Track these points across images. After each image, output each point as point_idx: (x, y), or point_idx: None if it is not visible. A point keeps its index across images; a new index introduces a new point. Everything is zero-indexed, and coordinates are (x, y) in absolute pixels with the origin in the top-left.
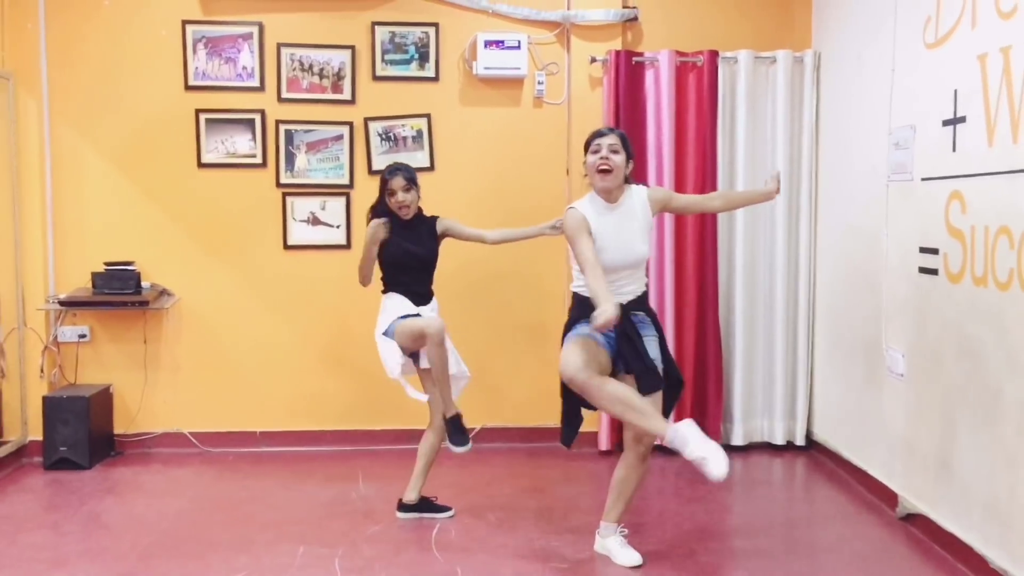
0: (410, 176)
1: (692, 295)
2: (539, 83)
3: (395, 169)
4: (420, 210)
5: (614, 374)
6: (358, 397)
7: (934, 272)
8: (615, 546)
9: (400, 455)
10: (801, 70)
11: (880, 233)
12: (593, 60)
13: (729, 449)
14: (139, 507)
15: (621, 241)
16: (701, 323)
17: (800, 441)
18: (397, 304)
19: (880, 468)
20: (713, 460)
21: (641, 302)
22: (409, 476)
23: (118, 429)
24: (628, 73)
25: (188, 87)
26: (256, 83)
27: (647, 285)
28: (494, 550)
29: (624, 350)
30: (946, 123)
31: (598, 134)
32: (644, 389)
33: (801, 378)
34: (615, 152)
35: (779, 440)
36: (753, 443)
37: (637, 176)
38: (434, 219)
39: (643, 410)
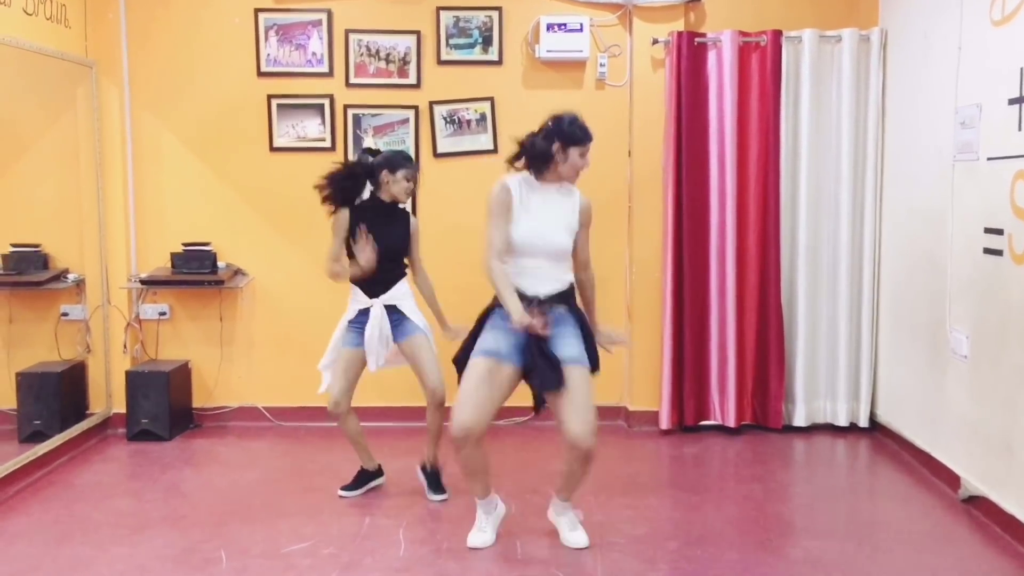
0: (415, 167)
1: (754, 275)
2: (601, 65)
3: (407, 158)
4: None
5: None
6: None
7: (999, 253)
8: (565, 524)
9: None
10: (867, 49)
11: (945, 214)
12: (655, 42)
13: (791, 430)
14: (215, 477)
15: (542, 221)
16: (763, 304)
17: (863, 423)
18: (350, 306)
19: (943, 450)
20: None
21: (563, 298)
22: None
23: (196, 403)
24: (690, 54)
25: (260, 73)
26: (325, 69)
27: (572, 285)
28: (552, 524)
29: (530, 347)
30: (1012, 102)
31: (588, 135)
32: (540, 385)
33: (865, 359)
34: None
35: (842, 421)
36: (816, 424)
37: (698, 162)
38: (408, 215)
39: (479, 482)
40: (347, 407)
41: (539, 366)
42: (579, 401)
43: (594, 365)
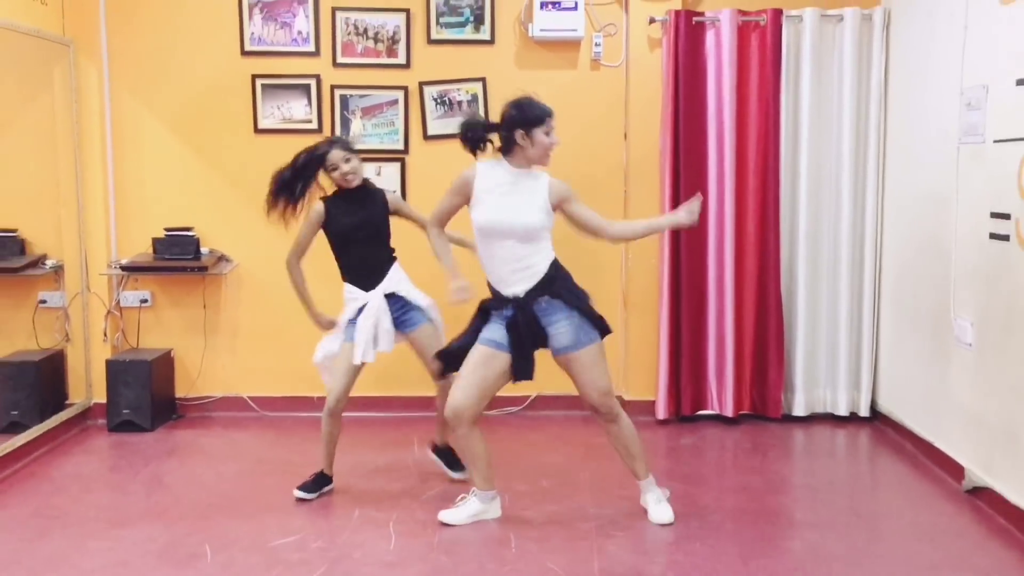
0: (347, 147)
1: (753, 261)
2: (596, 45)
3: (331, 142)
4: (366, 181)
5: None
6: (415, 363)
7: (1005, 238)
8: (651, 501)
9: None
10: (870, 28)
11: (950, 198)
12: (652, 21)
13: (791, 420)
14: (199, 469)
15: (510, 202)
16: (762, 291)
17: (864, 412)
18: (347, 306)
19: (946, 440)
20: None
21: (542, 288)
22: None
23: (179, 393)
24: (688, 34)
25: (244, 53)
26: (311, 48)
27: (551, 268)
28: (547, 517)
29: (511, 339)
30: (1020, 82)
31: (549, 112)
32: (516, 376)
33: (866, 348)
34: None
35: (842, 411)
36: (815, 414)
37: (696, 144)
38: (382, 191)
39: (479, 471)
40: (343, 408)
41: (515, 358)
42: (586, 378)
43: (602, 331)
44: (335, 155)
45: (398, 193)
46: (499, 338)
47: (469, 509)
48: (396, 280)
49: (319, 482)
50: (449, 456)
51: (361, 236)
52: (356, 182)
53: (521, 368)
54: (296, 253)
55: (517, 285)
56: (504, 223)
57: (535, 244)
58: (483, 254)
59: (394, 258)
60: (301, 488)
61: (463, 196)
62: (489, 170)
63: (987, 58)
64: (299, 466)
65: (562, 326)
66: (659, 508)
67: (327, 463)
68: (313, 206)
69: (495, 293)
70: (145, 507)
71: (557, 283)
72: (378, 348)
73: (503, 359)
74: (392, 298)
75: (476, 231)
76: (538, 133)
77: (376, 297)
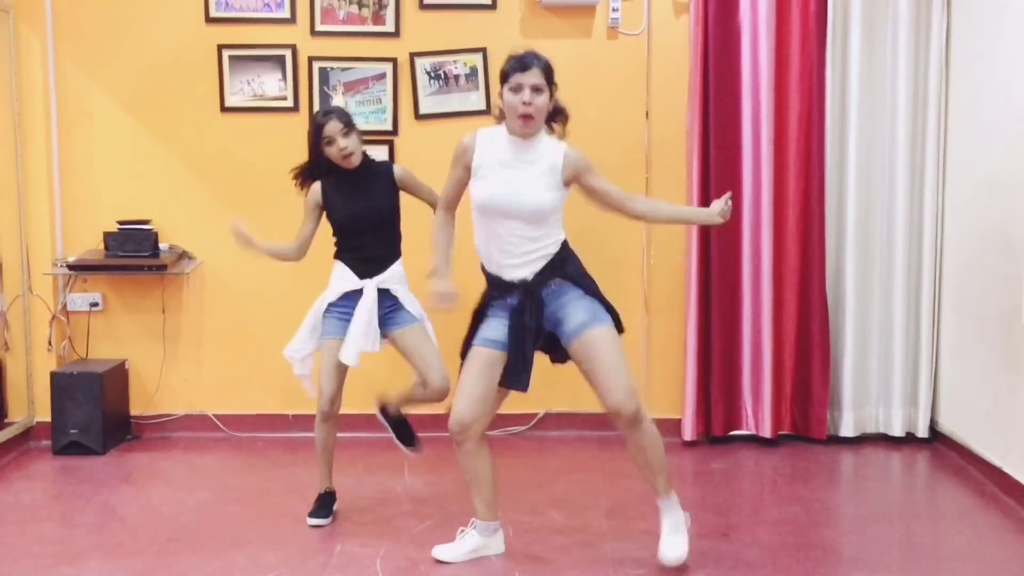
0: (346, 119)
1: (794, 259)
2: (614, 10)
3: (326, 113)
4: (367, 157)
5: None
6: (405, 377)
7: None
8: (667, 529)
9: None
10: None
11: (1022, 185)
12: None
13: (838, 441)
14: (157, 498)
15: (513, 178)
16: (804, 294)
17: (923, 433)
18: (334, 286)
19: (1017, 464)
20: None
21: (554, 269)
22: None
23: (134, 410)
24: None
25: (209, 19)
26: (286, 14)
27: (560, 250)
28: (558, 553)
29: (510, 339)
30: None
31: (520, 64)
32: (508, 383)
33: (924, 359)
34: (538, 91)
35: (897, 431)
36: (866, 434)
37: (729, 124)
38: (388, 165)
39: (482, 496)
40: (338, 410)
41: (511, 361)
42: (608, 363)
43: (617, 324)
44: (332, 126)
45: (406, 168)
46: (500, 337)
47: (468, 544)
48: (395, 276)
49: (325, 502)
50: (402, 427)
51: (363, 227)
52: (355, 162)
53: (515, 369)
54: (298, 245)
55: (522, 269)
56: (506, 203)
57: (540, 225)
58: (480, 235)
59: (399, 250)
60: (313, 515)
61: (463, 167)
62: (491, 138)
63: None
64: (272, 494)
65: (575, 305)
66: (673, 540)
67: (325, 479)
68: (311, 187)
69: (495, 280)
70: (96, 541)
71: (568, 265)
72: (363, 348)
73: (500, 359)
74: (384, 294)
75: (474, 208)
76: (508, 95)
77: (370, 288)
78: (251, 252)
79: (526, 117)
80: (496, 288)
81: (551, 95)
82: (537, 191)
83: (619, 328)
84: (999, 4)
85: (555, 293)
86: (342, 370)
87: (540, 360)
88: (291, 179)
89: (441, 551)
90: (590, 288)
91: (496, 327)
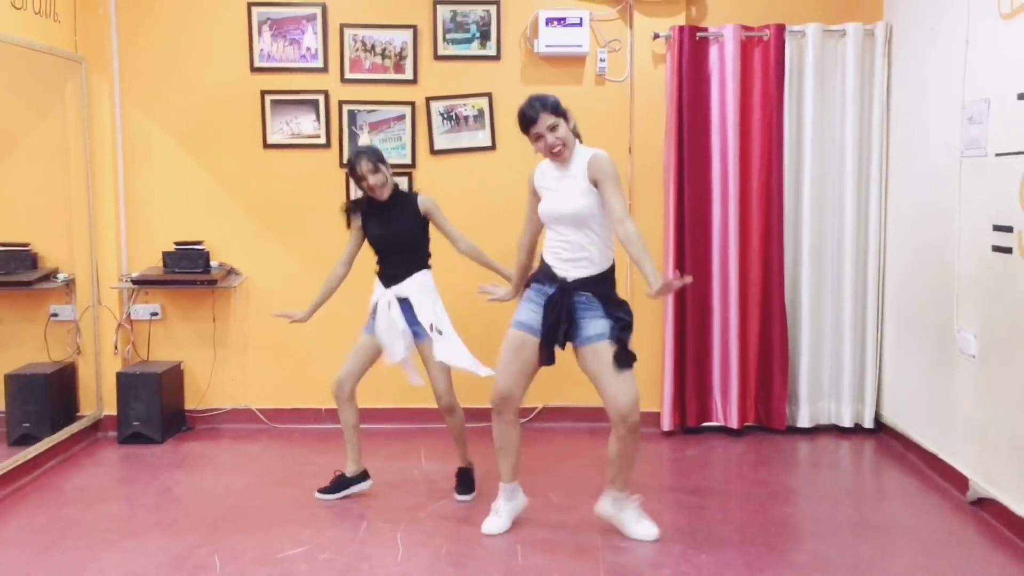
0: (373, 157)
1: (757, 274)
2: (601, 60)
3: (358, 154)
4: (397, 188)
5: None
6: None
7: (1008, 251)
8: (630, 520)
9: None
10: (872, 43)
11: (952, 210)
12: (656, 36)
13: (795, 432)
14: (208, 481)
15: (555, 192)
16: (766, 303)
17: (868, 424)
18: (374, 295)
19: (951, 451)
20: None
21: (592, 283)
22: (472, 453)
23: (189, 405)
24: (692, 49)
25: (254, 69)
26: (320, 64)
27: (610, 269)
28: (554, 527)
29: (544, 319)
30: (1021, 96)
31: (527, 121)
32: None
33: (870, 359)
34: (555, 129)
35: (847, 423)
36: (820, 425)
37: (700, 158)
38: (415, 197)
39: (509, 460)
40: (350, 392)
41: (542, 341)
42: (619, 374)
43: (626, 358)
44: (363, 166)
45: (433, 199)
46: (533, 322)
47: (504, 512)
48: (411, 286)
49: (339, 484)
50: (464, 479)
51: (388, 247)
52: (385, 195)
53: (545, 344)
54: (343, 259)
55: (570, 271)
56: (554, 214)
57: (586, 231)
58: (549, 236)
59: (422, 266)
60: (321, 491)
61: (532, 192)
62: (543, 169)
63: (989, 72)
64: (307, 478)
65: (598, 321)
66: (641, 525)
67: (350, 459)
68: (354, 218)
69: (547, 268)
70: (155, 519)
71: (605, 285)
72: (392, 348)
73: (536, 343)
74: (404, 303)
75: (543, 222)
76: (534, 145)
77: (383, 298)
78: (309, 315)
79: (555, 154)
80: (545, 273)
81: (568, 121)
82: (573, 198)
83: (628, 359)
84: (931, 55)
85: (584, 305)
86: (362, 360)
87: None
88: (341, 215)
89: (489, 526)
90: (618, 320)
91: (528, 312)
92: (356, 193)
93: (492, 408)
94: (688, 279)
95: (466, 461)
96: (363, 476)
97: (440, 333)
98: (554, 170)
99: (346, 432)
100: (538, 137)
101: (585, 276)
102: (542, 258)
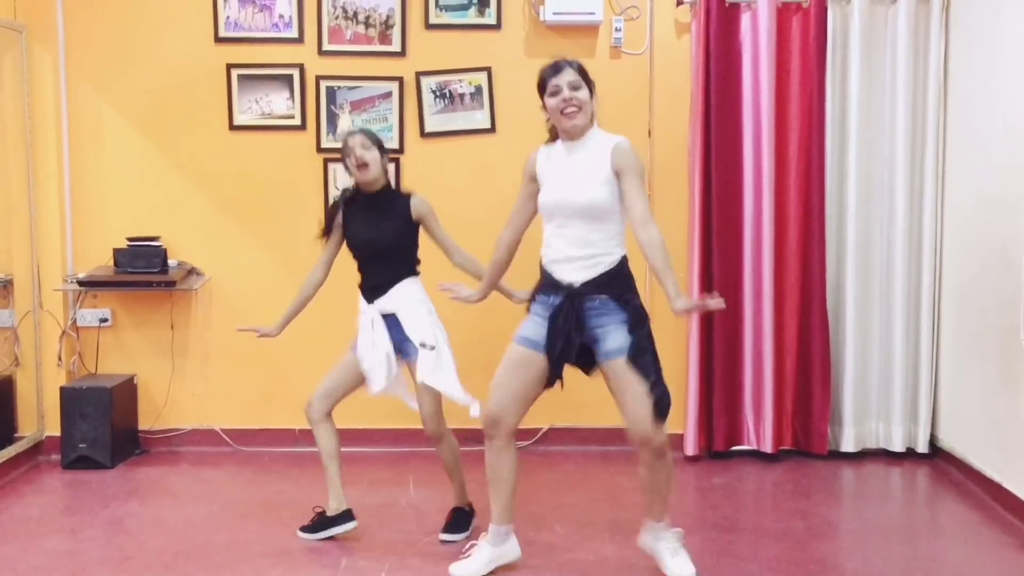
0: (372, 138)
1: (795, 276)
2: (616, 30)
3: (357, 131)
4: (389, 184)
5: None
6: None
7: None
8: (667, 552)
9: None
10: (927, 12)
11: (1019, 205)
12: (680, 3)
13: (839, 456)
14: (165, 511)
15: (561, 179)
16: (805, 311)
17: (923, 448)
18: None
19: (1017, 480)
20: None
21: (603, 284)
22: (465, 479)
23: (143, 425)
24: (721, 18)
25: (218, 39)
26: (294, 34)
27: (621, 265)
28: (561, 567)
29: (548, 334)
30: None
31: (553, 69)
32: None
33: (924, 375)
34: (576, 89)
35: (897, 447)
36: (867, 450)
37: (730, 143)
38: (408, 197)
39: (501, 499)
40: (321, 413)
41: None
42: (641, 393)
43: (649, 371)
44: (355, 139)
45: (428, 203)
46: (537, 337)
47: (483, 556)
48: (398, 300)
49: (321, 524)
50: (457, 518)
51: (371, 252)
52: (370, 177)
53: (552, 373)
54: (320, 262)
55: (576, 273)
56: (560, 201)
57: (604, 224)
58: (548, 234)
59: (408, 273)
60: (303, 529)
61: (529, 177)
62: (548, 152)
63: None
64: (278, 508)
65: (618, 331)
66: (677, 562)
67: (331, 494)
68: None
69: (547, 277)
70: (103, 555)
71: (618, 282)
72: (375, 374)
73: (541, 362)
74: (391, 319)
75: (542, 214)
76: (549, 100)
77: (367, 315)
78: (280, 328)
79: (567, 115)
80: (545, 283)
81: (592, 93)
82: (590, 187)
83: (663, 411)
84: (996, 25)
85: (598, 311)
86: (340, 379)
87: None
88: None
89: (458, 568)
90: (636, 325)
91: (533, 326)
92: (335, 188)
93: (485, 433)
94: (722, 303)
95: (463, 500)
96: (346, 516)
97: (432, 349)
98: (563, 155)
99: (324, 462)
100: (555, 91)
101: (594, 276)
102: (541, 266)
